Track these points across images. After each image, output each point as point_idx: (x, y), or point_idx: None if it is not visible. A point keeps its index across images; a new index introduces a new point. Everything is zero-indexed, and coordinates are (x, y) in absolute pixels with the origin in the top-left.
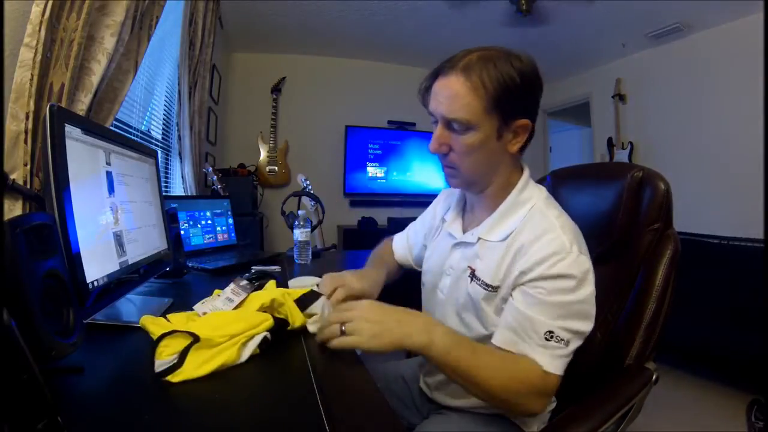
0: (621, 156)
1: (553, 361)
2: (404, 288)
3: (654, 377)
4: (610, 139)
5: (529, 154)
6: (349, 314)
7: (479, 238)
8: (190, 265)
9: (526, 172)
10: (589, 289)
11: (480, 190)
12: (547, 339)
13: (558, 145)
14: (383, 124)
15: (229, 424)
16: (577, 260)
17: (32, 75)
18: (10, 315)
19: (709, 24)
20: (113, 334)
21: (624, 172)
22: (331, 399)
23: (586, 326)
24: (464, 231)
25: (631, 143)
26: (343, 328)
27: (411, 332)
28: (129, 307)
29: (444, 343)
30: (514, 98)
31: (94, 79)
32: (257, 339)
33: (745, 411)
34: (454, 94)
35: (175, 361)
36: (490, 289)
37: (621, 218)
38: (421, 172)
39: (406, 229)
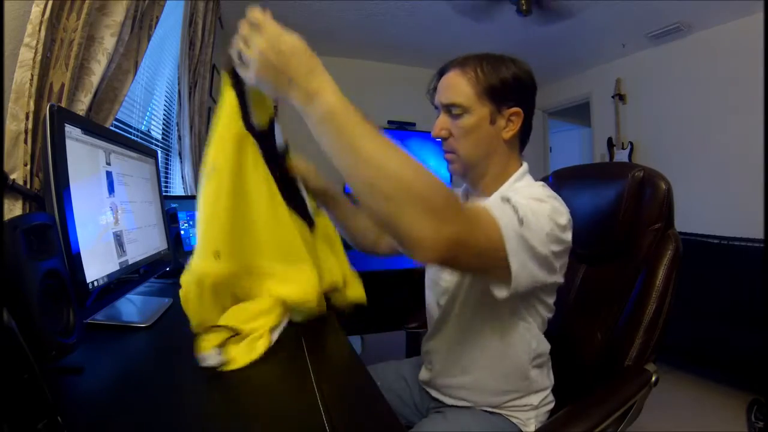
0: (621, 156)
1: (501, 216)
2: (403, 288)
3: (654, 379)
4: (610, 139)
5: (529, 154)
6: (257, 38)
7: None
8: None
9: (525, 165)
10: (558, 223)
11: (478, 176)
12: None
13: (558, 145)
14: (383, 124)
15: (229, 424)
16: (553, 207)
17: (32, 75)
18: (11, 315)
19: (709, 24)
20: (113, 334)
21: (625, 172)
22: (331, 399)
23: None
24: None
25: (631, 143)
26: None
27: (292, 93)
28: (129, 307)
29: (327, 104)
30: (506, 88)
31: (94, 79)
32: (282, 324)
33: (745, 411)
34: (451, 84)
35: (219, 356)
36: None
37: (622, 218)
38: None
39: None
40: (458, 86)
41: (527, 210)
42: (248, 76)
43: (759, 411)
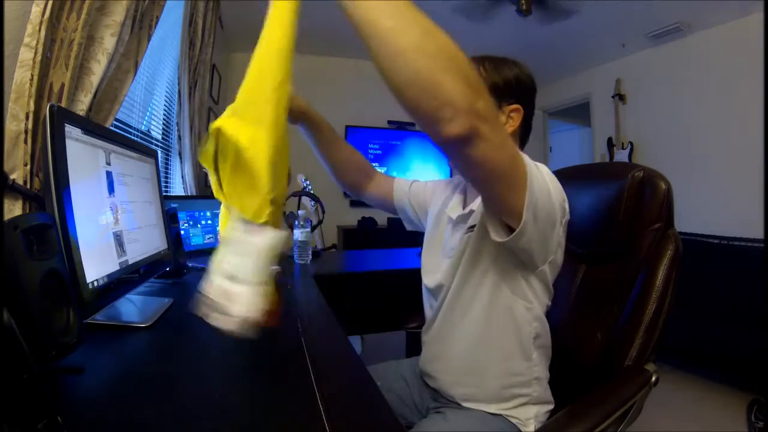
0: (621, 156)
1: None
2: (403, 288)
3: (654, 379)
4: (610, 139)
5: (529, 154)
6: None
7: (471, 211)
8: (190, 265)
9: (526, 157)
10: (560, 195)
11: None
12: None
13: (558, 145)
14: (383, 124)
15: (229, 423)
16: (556, 186)
17: (32, 75)
18: (10, 315)
19: (709, 24)
20: (113, 334)
21: (625, 172)
22: (331, 399)
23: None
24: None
25: (631, 143)
26: None
27: None
28: (129, 307)
29: None
30: (507, 86)
31: (94, 79)
32: None
33: (745, 411)
34: None
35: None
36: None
37: (622, 218)
38: (421, 172)
39: (407, 183)
40: None
41: (543, 181)
42: None
43: (759, 411)
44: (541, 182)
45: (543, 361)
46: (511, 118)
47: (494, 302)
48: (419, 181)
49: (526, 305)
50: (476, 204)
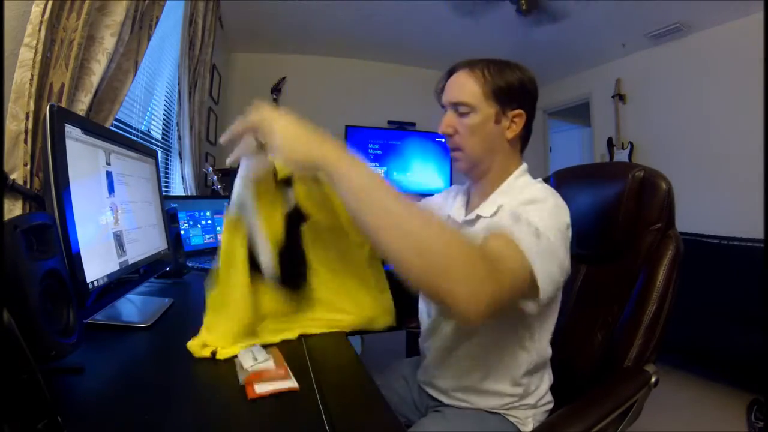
0: (621, 156)
1: (524, 238)
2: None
3: (653, 380)
4: (610, 139)
5: (529, 154)
6: (263, 121)
7: (478, 216)
8: (190, 265)
9: (524, 165)
10: (563, 221)
11: (481, 173)
12: (514, 221)
13: (558, 145)
14: (383, 124)
15: (228, 423)
16: (556, 204)
17: (32, 75)
18: (10, 315)
19: (709, 24)
20: (113, 334)
21: (625, 172)
22: (331, 399)
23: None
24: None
25: (631, 143)
26: (261, 139)
27: (329, 152)
28: (129, 307)
29: (367, 171)
30: (511, 91)
31: (94, 79)
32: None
33: (745, 411)
34: (460, 83)
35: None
36: None
37: (622, 218)
38: (422, 172)
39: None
40: (466, 86)
41: (537, 219)
42: (277, 156)
43: (759, 411)
44: (549, 250)
45: (539, 378)
46: (514, 123)
47: (500, 324)
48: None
49: (529, 334)
50: (484, 210)
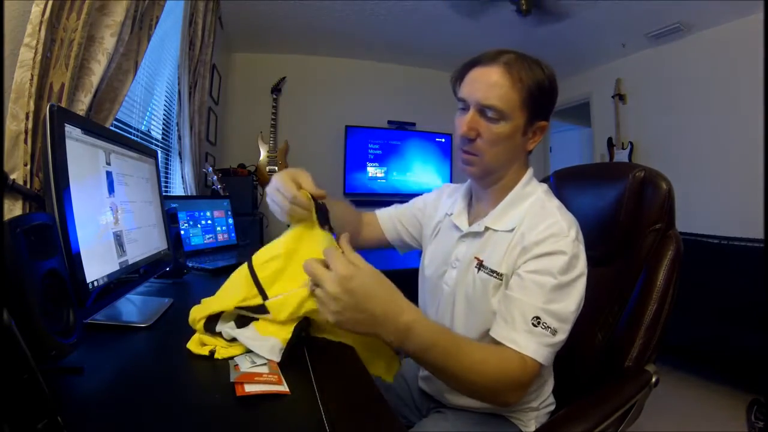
0: (621, 156)
1: (539, 349)
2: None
3: (654, 380)
4: (610, 139)
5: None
6: (325, 280)
7: (486, 228)
8: (190, 265)
9: (530, 170)
10: (578, 270)
11: (492, 182)
12: (534, 325)
13: (558, 145)
14: (383, 124)
15: (228, 423)
16: (573, 243)
17: (32, 75)
18: (10, 315)
19: (709, 24)
20: (113, 334)
21: (626, 172)
22: (331, 399)
23: (573, 310)
24: (470, 224)
25: (631, 143)
26: (313, 289)
27: (381, 333)
28: (129, 307)
29: (418, 344)
30: (543, 100)
31: (94, 79)
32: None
33: (745, 411)
34: (493, 83)
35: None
36: (496, 275)
37: (622, 218)
38: (422, 172)
39: (392, 210)
40: (502, 88)
41: (557, 307)
42: (325, 315)
43: (759, 411)
44: (561, 341)
45: (549, 378)
46: (536, 134)
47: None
48: (398, 205)
49: None
50: (495, 223)
